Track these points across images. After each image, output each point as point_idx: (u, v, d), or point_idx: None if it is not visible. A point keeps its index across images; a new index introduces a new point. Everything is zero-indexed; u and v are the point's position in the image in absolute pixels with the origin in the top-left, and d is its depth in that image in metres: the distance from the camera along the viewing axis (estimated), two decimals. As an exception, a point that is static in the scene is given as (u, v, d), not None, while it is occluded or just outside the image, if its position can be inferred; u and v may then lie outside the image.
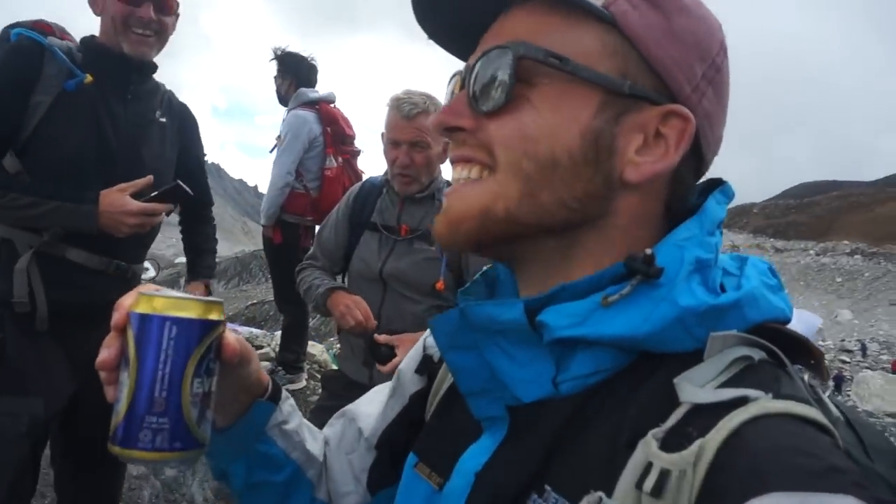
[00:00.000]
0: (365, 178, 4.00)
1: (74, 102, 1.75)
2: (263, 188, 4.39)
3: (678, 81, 0.53)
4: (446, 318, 0.57)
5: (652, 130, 0.54)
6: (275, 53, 3.94)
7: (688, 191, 0.59)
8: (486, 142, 0.55)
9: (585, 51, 0.53)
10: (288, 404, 0.77)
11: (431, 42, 0.64)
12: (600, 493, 0.45)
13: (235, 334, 0.61)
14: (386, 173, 2.31)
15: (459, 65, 0.61)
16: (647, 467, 0.43)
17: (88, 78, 1.75)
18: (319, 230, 2.43)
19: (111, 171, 1.76)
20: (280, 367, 4.07)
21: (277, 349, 4.57)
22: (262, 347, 4.65)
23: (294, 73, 3.91)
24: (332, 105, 4.02)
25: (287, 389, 4.22)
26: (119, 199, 1.72)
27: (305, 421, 0.80)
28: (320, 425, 2.21)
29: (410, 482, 0.66)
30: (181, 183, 1.79)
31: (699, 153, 0.57)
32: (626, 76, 0.53)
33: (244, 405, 0.70)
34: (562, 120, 0.53)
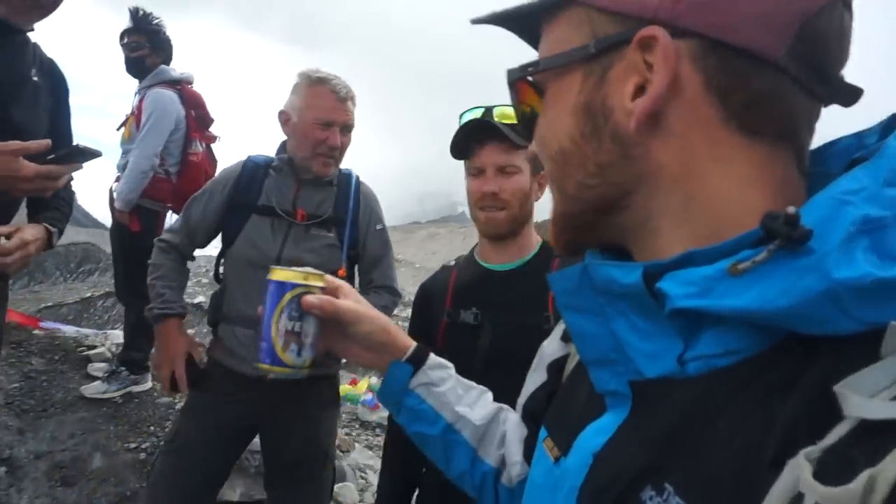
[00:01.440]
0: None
1: None
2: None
3: (640, 3, 0.48)
4: (566, 273, 0.54)
5: (643, 67, 0.48)
6: (137, 18, 3.57)
7: (764, 97, 0.47)
8: None
9: (561, 40, 0.54)
10: (442, 372, 0.91)
11: None
12: None
13: (318, 297, 0.82)
14: (281, 152, 2.21)
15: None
16: (798, 498, 0.34)
17: None
18: (188, 205, 2.22)
19: None
20: (123, 367, 3.68)
21: (115, 348, 4.14)
22: (95, 347, 4.15)
23: (159, 45, 3.60)
24: (192, 86, 3.77)
25: (132, 392, 3.82)
26: (11, 163, 1.50)
27: (474, 390, 0.93)
28: (197, 427, 2.13)
29: (540, 456, 0.64)
30: (80, 144, 1.60)
31: (731, 46, 0.46)
32: (595, 36, 0.51)
33: (386, 364, 0.89)
34: (556, 112, 0.55)
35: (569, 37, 0.53)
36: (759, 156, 0.48)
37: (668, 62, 0.47)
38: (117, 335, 4.42)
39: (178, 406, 3.68)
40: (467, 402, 0.90)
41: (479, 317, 1.49)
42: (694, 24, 0.47)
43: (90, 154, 1.60)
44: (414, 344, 0.90)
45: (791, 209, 0.41)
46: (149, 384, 3.79)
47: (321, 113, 2.08)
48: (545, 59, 0.55)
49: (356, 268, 2.31)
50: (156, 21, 3.58)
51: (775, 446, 0.37)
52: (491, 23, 0.60)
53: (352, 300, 0.86)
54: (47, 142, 1.54)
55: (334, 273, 2.17)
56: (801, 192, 0.49)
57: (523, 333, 1.36)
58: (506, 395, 1.44)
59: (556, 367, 0.79)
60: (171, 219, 3.66)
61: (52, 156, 1.55)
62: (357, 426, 5.13)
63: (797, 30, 0.46)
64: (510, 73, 0.59)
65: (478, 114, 1.49)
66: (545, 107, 0.57)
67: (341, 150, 2.14)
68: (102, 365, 3.91)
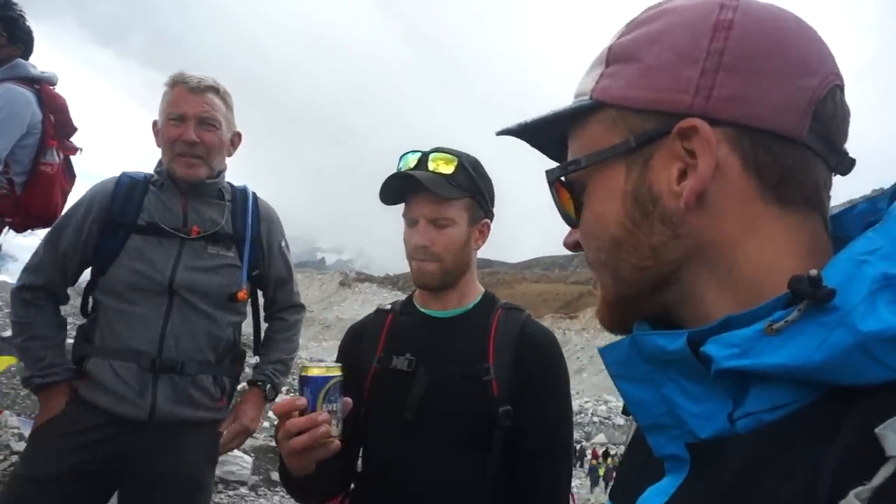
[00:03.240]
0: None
1: None
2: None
3: (674, 101, 0.54)
4: (616, 345, 0.56)
5: (684, 154, 0.53)
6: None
7: (794, 170, 0.53)
8: None
9: (597, 140, 0.58)
10: None
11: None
12: None
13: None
14: (159, 165, 1.98)
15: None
16: None
17: None
18: (51, 235, 1.92)
19: None
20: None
21: None
22: None
23: (17, 35, 3.11)
24: (54, 88, 3.30)
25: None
26: None
27: None
28: (38, 486, 1.78)
29: None
30: None
31: (761, 130, 0.52)
32: (632, 132, 0.56)
33: None
34: (604, 204, 0.59)
35: (604, 135, 0.58)
36: (793, 223, 0.54)
37: (711, 147, 0.52)
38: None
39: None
40: None
41: (413, 363, 1.38)
42: (726, 115, 0.53)
43: None
44: None
45: (813, 272, 0.45)
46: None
47: (171, 108, 1.90)
48: (587, 156, 0.59)
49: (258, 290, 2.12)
50: (16, 8, 3.11)
51: (825, 490, 0.40)
52: (516, 133, 0.65)
53: None
54: None
55: (232, 296, 1.98)
56: (831, 253, 0.52)
57: (461, 384, 1.33)
58: (436, 446, 1.33)
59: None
60: (8, 235, 3.11)
61: None
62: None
63: (812, 113, 0.53)
64: (549, 172, 0.62)
65: (414, 159, 1.40)
66: (589, 201, 0.60)
67: (206, 147, 1.91)
68: None
